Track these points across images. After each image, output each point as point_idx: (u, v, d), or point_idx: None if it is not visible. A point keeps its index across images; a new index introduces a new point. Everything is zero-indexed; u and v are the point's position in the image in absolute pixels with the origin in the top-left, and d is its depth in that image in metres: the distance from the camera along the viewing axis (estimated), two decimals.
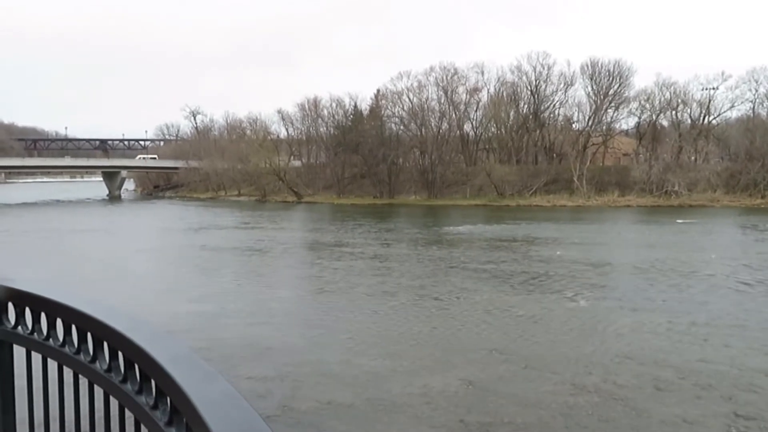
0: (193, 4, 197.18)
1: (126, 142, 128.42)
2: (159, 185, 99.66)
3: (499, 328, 14.64)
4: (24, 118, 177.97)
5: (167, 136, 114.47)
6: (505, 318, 15.68)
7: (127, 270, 24.29)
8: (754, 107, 66.60)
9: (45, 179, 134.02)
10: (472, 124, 75.60)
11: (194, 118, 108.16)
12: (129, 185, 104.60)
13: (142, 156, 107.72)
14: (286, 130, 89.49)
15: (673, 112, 67.27)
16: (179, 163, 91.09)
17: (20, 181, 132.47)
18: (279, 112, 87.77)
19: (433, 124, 73.58)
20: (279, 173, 77.32)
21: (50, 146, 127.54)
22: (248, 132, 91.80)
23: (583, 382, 10.86)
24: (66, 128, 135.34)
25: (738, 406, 9.73)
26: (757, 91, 65.57)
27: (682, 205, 55.52)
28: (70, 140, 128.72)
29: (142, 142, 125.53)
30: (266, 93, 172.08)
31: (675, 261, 24.33)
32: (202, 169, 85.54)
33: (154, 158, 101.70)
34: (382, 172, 71.19)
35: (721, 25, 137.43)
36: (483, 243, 31.37)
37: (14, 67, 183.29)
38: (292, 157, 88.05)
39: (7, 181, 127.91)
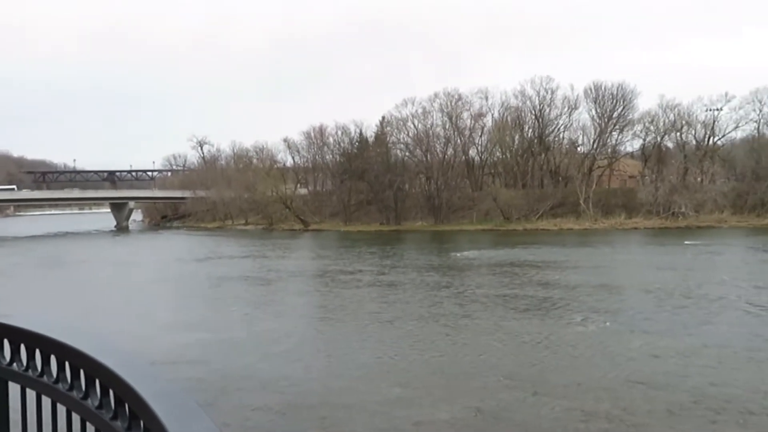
0: (199, 35, 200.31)
1: (134, 173, 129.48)
2: (167, 215, 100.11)
3: (507, 354, 14.50)
4: (34, 151, 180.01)
5: (174, 167, 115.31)
6: (513, 343, 15.54)
7: (132, 301, 24.28)
8: (758, 127, 66.56)
9: (54, 211, 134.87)
10: (477, 149, 75.89)
11: (201, 148, 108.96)
12: (137, 216, 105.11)
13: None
14: (293, 158, 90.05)
15: (678, 134, 67.34)
16: (186, 193, 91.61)
17: (29, 213, 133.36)
18: (285, 140, 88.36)
19: (438, 150, 73.87)
20: (286, 201, 77.61)
21: (59, 178, 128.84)
22: (255, 161, 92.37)
23: (594, 408, 10.72)
24: (75, 160, 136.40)
25: (752, 431, 9.57)
26: (761, 111, 65.62)
27: (689, 226, 55.24)
28: (79, 172, 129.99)
29: (149, 173, 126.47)
30: (273, 122, 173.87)
31: (684, 283, 24.13)
32: (209, 199, 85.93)
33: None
34: (388, 198, 71.33)
35: (724, 46, 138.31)
36: (490, 268, 31.24)
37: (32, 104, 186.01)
38: (298, 185, 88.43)
39: (17, 213, 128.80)
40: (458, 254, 38.89)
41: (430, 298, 22.86)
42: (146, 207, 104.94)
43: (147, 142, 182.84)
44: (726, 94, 65.39)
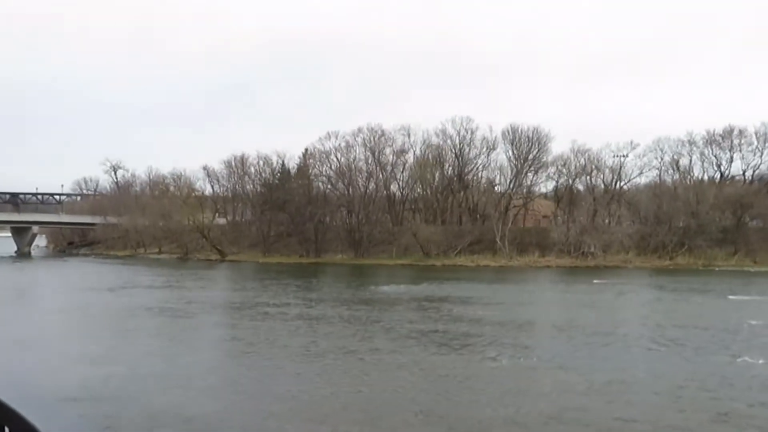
0: (118, 58, 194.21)
1: (39, 197, 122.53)
2: (74, 242, 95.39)
3: (424, 390, 14.53)
4: None
5: (85, 191, 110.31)
6: (430, 379, 15.60)
7: (35, 334, 22.75)
8: (660, 174, 71.17)
9: None
10: (398, 184, 76.92)
11: (115, 173, 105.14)
12: (41, 242, 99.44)
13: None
14: (212, 186, 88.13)
15: (588, 177, 70.84)
16: (97, 219, 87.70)
17: None
18: (205, 168, 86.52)
19: (360, 184, 74.34)
20: (203, 231, 75.64)
21: None
22: (172, 188, 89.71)
23: None
24: None
25: None
26: (662, 159, 70.28)
27: (597, 266, 57.79)
28: None
29: (57, 197, 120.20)
30: (192, 150, 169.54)
31: (592, 321, 25.12)
32: (121, 226, 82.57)
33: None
34: (308, 230, 70.86)
35: (629, 96, 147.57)
36: (408, 303, 31.44)
37: None
38: (216, 215, 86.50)
39: None
40: (378, 289, 38.95)
41: (348, 332, 22.69)
42: (52, 232, 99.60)
43: (56, 164, 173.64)
44: (631, 142, 69.70)
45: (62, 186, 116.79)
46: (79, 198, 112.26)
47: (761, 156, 68.61)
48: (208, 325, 25.35)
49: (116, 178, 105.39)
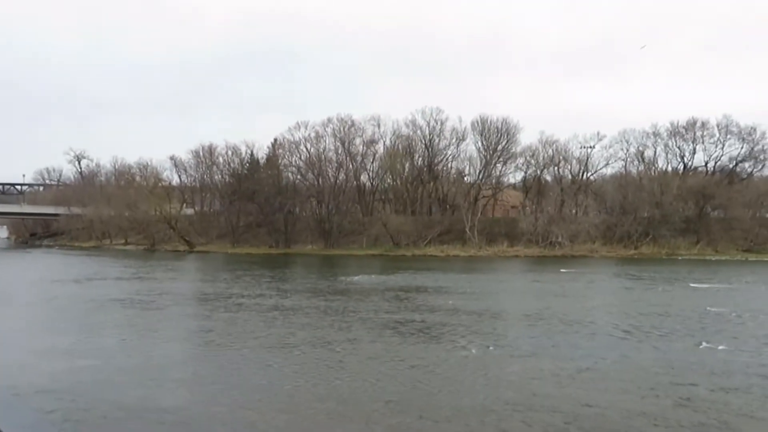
0: (83, 43, 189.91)
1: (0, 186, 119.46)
2: (36, 233, 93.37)
3: (394, 379, 14.59)
4: None
5: (48, 181, 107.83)
6: (400, 368, 15.68)
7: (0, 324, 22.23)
8: (625, 165, 72.60)
9: None
10: (368, 175, 77.06)
11: (79, 163, 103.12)
12: (1, 233, 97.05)
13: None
14: (179, 177, 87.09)
15: (556, 168, 71.86)
16: (60, 210, 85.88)
17: None
18: (172, 158, 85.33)
19: (330, 175, 74.21)
20: (170, 221, 74.65)
21: None
22: (138, 178, 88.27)
23: (477, 430, 10.99)
24: None
25: None
26: (627, 150, 71.67)
27: (565, 255, 58.69)
28: None
29: (18, 187, 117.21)
30: (159, 139, 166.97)
31: (560, 309, 25.50)
32: (85, 216, 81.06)
33: None
34: (278, 221, 70.48)
35: (596, 88, 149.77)
36: (379, 293, 31.51)
37: None
38: (184, 205, 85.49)
39: None
40: (348, 279, 38.94)
41: (318, 323, 22.65)
42: (13, 223, 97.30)
43: (17, 154, 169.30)
44: (598, 134, 70.94)
45: (23, 176, 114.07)
46: (41, 188, 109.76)
47: (722, 148, 70.52)
48: (177, 316, 25.05)
49: (80, 167, 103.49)
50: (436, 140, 74.49)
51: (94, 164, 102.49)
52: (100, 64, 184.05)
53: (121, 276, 41.55)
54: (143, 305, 27.58)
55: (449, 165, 76.33)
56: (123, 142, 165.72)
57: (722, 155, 70.50)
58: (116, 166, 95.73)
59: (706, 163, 71.41)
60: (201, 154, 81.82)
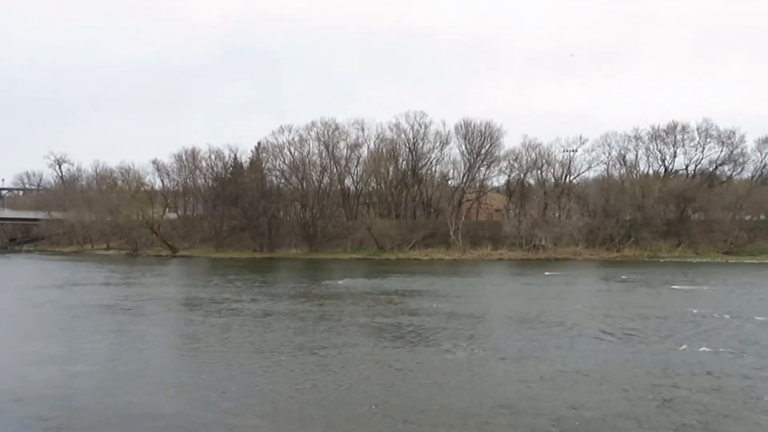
0: (64, 44, 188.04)
1: None
2: (16, 238, 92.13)
3: (378, 382, 14.57)
4: None
5: (28, 186, 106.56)
6: (385, 372, 15.66)
7: None
8: (608, 168, 73.27)
9: None
10: (352, 178, 77.08)
11: (59, 167, 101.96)
12: None
13: None
14: (162, 181, 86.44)
15: (539, 172, 72.35)
16: (40, 215, 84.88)
17: None
18: (154, 162, 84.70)
19: (314, 178, 74.10)
20: (152, 226, 74.05)
21: None
22: (120, 182, 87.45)
23: None
24: None
25: None
26: (609, 153, 72.36)
27: (548, 258, 59.02)
28: None
29: None
30: (142, 143, 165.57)
31: (544, 312, 25.63)
32: (66, 221, 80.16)
33: None
34: (262, 225, 70.18)
35: (579, 92, 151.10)
36: (363, 297, 31.48)
37: None
38: (167, 210, 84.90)
39: None
40: (333, 283, 38.86)
41: (303, 327, 22.57)
42: None
43: None
44: (580, 137, 71.54)
45: (2, 180, 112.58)
46: (21, 192, 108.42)
47: (702, 151, 71.41)
48: (161, 322, 24.82)
49: (61, 172, 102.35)
50: (420, 144, 74.77)
51: (75, 168, 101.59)
52: (81, 66, 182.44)
53: (104, 281, 41.11)
54: (127, 311, 27.30)
55: (433, 168, 76.66)
56: (105, 146, 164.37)
57: (702, 158, 71.53)
58: (98, 171, 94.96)
59: (687, 167, 72.37)
60: (184, 158, 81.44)
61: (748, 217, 65.34)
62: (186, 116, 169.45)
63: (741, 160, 71.18)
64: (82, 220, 78.32)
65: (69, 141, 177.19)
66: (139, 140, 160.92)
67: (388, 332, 21.16)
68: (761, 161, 70.88)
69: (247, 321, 24.02)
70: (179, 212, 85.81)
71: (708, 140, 70.54)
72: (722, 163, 71.80)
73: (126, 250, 74.70)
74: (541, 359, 16.72)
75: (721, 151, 70.84)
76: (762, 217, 64.64)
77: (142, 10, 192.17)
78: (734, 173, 72.76)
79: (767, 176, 71.80)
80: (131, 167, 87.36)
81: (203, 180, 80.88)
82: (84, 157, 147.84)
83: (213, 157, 79.16)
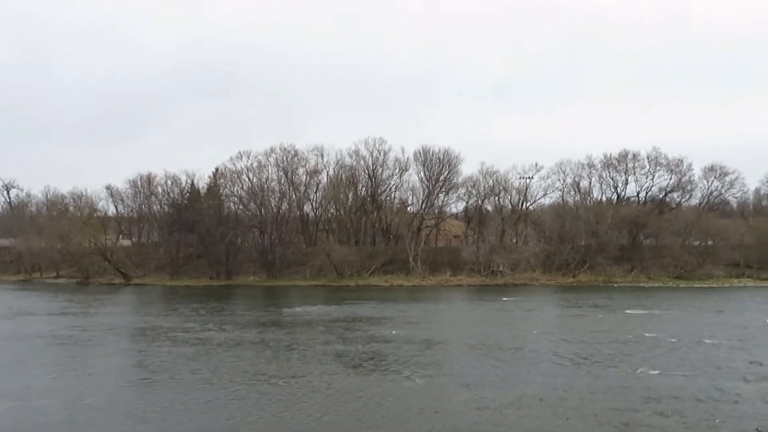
0: (10, 66, 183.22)
1: None
2: None
3: (338, 412, 14.38)
4: None
5: None
6: (345, 400, 15.47)
7: None
8: (563, 195, 74.66)
9: None
10: (312, 205, 76.55)
11: (7, 193, 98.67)
12: None
13: None
14: (116, 207, 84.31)
15: (496, 198, 73.18)
16: None
17: None
18: (108, 188, 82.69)
19: (273, 204, 73.43)
20: (105, 253, 72.03)
21: None
22: (71, 208, 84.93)
23: None
24: None
25: None
26: (564, 180, 73.81)
27: (506, 284, 59.54)
28: None
29: None
30: (95, 168, 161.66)
31: (502, 337, 25.80)
32: (14, 249, 77.41)
33: None
34: (219, 252, 69.01)
35: (534, 120, 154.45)
36: (322, 324, 31.17)
37: None
38: (121, 236, 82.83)
39: None
40: (291, 310, 38.38)
41: (261, 356, 22.18)
42: None
43: None
44: (536, 165, 72.78)
45: None
46: None
47: (653, 179, 73.48)
48: (110, 353, 24.05)
49: (9, 197, 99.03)
50: (380, 170, 74.99)
51: (24, 194, 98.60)
52: (31, 86, 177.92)
53: (57, 311, 39.69)
54: (73, 341, 26.38)
55: (392, 195, 76.86)
56: (56, 172, 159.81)
57: (653, 186, 73.58)
58: (48, 196, 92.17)
59: (638, 194, 74.33)
60: (139, 183, 79.80)
61: (696, 243, 67.28)
62: (142, 141, 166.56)
63: (689, 187, 73.59)
64: (30, 248, 75.72)
65: (18, 166, 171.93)
66: (92, 166, 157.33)
67: (347, 360, 20.96)
68: (708, 188, 73.49)
69: (201, 350, 23.48)
70: (134, 239, 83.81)
71: (657, 168, 72.77)
72: (671, 191, 74.09)
73: (77, 278, 72.42)
74: (499, 385, 16.79)
75: (670, 178, 73.17)
76: (710, 242, 66.64)
77: (95, 32, 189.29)
78: (683, 200, 75.14)
79: (714, 203, 74.41)
80: (84, 193, 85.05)
81: (159, 206, 79.32)
82: (34, 183, 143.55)
83: (169, 182, 77.82)
